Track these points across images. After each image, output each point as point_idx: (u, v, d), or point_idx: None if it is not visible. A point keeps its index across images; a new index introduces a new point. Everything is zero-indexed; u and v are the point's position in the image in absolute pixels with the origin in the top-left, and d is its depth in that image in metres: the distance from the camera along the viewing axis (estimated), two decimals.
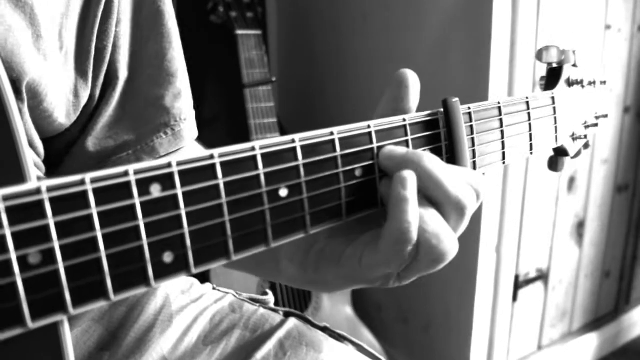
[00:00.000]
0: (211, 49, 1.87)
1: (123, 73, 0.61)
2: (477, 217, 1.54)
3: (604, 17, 1.66)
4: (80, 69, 0.58)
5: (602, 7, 1.64)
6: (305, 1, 1.97)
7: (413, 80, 0.51)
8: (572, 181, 1.75)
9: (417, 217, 0.44)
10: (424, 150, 0.50)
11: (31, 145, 0.57)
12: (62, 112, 0.58)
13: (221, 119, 1.92)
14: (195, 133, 0.69)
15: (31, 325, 0.32)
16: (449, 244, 0.46)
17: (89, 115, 0.62)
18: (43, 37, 0.53)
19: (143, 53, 0.62)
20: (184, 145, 0.67)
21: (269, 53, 2.00)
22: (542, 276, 1.77)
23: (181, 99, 0.65)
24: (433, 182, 0.46)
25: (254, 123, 1.59)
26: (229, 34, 1.67)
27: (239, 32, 1.64)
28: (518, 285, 1.70)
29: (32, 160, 0.55)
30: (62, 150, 0.62)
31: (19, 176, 0.36)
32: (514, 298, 1.71)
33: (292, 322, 0.71)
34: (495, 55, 1.42)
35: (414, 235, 0.44)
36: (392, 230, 0.44)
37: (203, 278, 0.85)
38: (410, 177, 0.45)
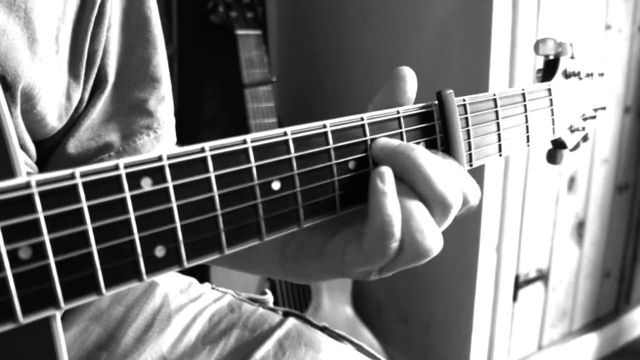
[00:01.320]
0: (211, 49, 1.87)
1: (111, 77, 0.61)
2: (477, 217, 1.54)
3: (604, 17, 1.66)
4: (73, 72, 0.58)
5: (602, 7, 1.64)
6: (305, 1, 1.97)
7: (411, 75, 0.51)
8: (572, 181, 1.75)
9: (398, 211, 0.44)
10: (419, 142, 0.50)
11: (23, 147, 0.57)
12: (55, 116, 0.58)
13: (221, 119, 1.93)
14: (174, 139, 0.69)
15: (22, 320, 0.32)
16: (434, 240, 0.45)
17: (74, 118, 0.62)
18: (38, 40, 0.53)
19: (130, 58, 0.62)
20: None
21: (269, 53, 2.00)
22: (542, 276, 1.77)
23: (164, 104, 0.65)
24: (420, 176, 0.45)
25: (254, 123, 1.59)
26: (229, 34, 1.67)
27: (239, 32, 1.64)
28: (518, 285, 1.70)
29: (23, 158, 0.55)
30: (45, 153, 0.62)
31: (8, 171, 0.36)
32: (514, 298, 1.70)
33: (291, 321, 0.72)
34: (496, 55, 1.42)
35: (397, 229, 0.44)
36: (375, 226, 0.44)
37: (202, 277, 0.85)
38: (387, 172, 0.44)
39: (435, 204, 0.46)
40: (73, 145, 0.61)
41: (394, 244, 0.44)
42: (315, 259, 0.48)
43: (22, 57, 0.51)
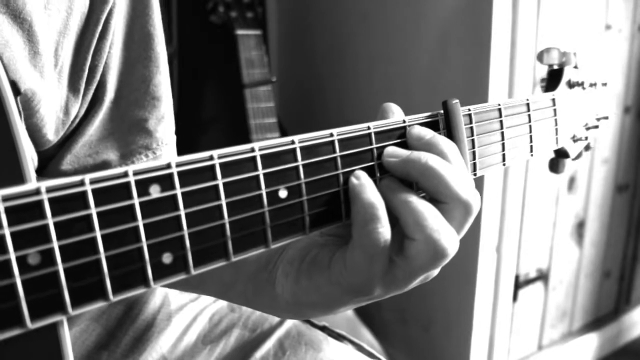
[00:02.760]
0: (211, 49, 1.86)
1: (110, 94, 0.61)
2: (477, 217, 1.53)
3: (604, 17, 1.66)
4: (73, 86, 0.57)
5: (602, 7, 1.64)
6: (305, 1, 1.97)
7: (397, 110, 0.51)
8: (572, 181, 1.75)
9: (378, 197, 0.44)
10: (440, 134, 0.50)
11: None
12: (52, 129, 0.57)
13: (221, 119, 1.92)
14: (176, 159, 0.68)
15: (30, 325, 0.32)
16: (450, 239, 0.45)
17: (69, 133, 0.61)
18: (40, 54, 0.52)
19: (131, 76, 0.62)
20: None
21: (269, 53, 2.00)
22: (542, 276, 1.77)
23: (164, 123, 0.65)
24: (440, 182, 0.46)
25: (254, 123, 1.59)
26: (229, 34, 1.66)
27: (239, 32, 1.64)
28: (518, 285, 1.70)
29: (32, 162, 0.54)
30: (38, 165, 0.61)
31: (19, 177, 0.36)
32: (514, 298, 1.71)
33: (291, 321, 0.72)
34: (495, 55, 1.42)
35: (381, 212, 0.44)
36: (357, 215, 0.44)
37: None
38: (362, 172, 0.45)
39: (458, 207, 0.47)
40: (69, 161, 0.60)
41: (381, 228, 0.43)
42: (324, 271, 0.48)
43: (23, 69, 0.51)
